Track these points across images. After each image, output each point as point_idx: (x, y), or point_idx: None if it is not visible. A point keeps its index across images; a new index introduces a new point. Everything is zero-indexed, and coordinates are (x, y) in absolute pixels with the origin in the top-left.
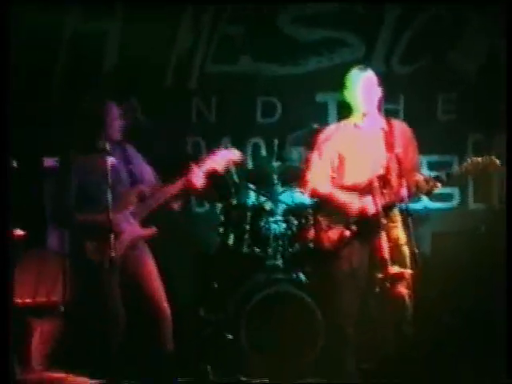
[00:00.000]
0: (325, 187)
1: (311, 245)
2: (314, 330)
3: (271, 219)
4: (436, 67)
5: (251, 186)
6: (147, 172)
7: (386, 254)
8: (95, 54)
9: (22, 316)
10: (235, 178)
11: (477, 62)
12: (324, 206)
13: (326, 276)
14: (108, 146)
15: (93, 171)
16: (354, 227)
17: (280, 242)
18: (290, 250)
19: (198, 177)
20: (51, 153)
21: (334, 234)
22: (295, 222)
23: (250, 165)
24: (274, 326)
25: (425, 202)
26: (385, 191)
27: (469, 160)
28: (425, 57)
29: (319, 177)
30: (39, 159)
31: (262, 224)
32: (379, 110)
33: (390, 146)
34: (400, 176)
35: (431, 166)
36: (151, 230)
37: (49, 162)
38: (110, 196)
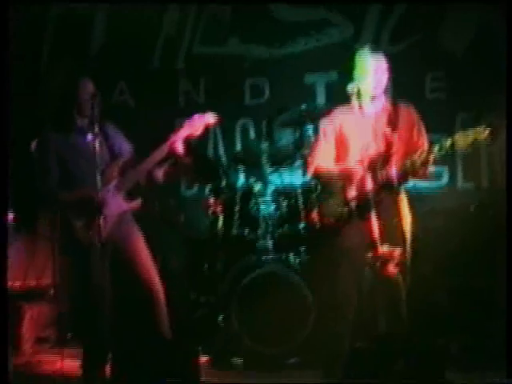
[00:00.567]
0: (328, 166)
1: (302, 225)
2: (304, 311)
3: (260, 200)
4: (424, 45)
5: (240, 167)
6: (126, 148)
7: (376, 233)
8: (82, 35)
9: (12, 300)
10: (223, 159)
11: (465, 39)
12: (324, 183)
13: (317, 257)
14: (84, 124)
15: (72, 149)
16: (352, 206)
17: (269, 223)
18: (280, 230)
19: (177, 142)
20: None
21: (332, 211)
22: (284, 203)
23: (238, 146)
24: (265, 307)
25: (414, 181)
26: (383, 171)
27: (459, 133)
28: (414, 34)
29: (324, 158)
30: (27, 142)
31: (252, 205)
32: (385, 91)
33: (392, 126)
34: (402, 156)
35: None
36: (136, 202)
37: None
38: (91, 173)
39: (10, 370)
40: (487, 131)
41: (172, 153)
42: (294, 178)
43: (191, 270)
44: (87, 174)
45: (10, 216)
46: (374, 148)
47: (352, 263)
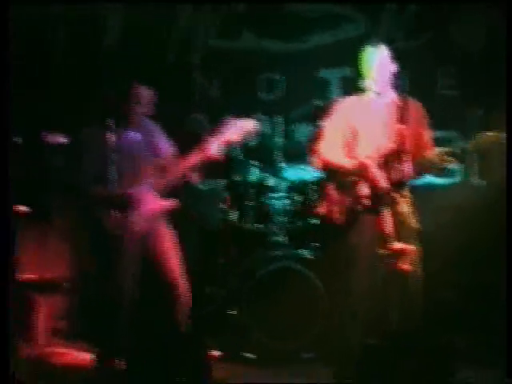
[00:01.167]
0: (336, 157)
1: (315, 220)
2: (316, 306)
3: (274, 195)
4: (438, 42)
5: (254, 162)
6: (165, 145)
7: (390, 229)
8: (95, 32)
9: (26, 292)
10: (238, 154)
11: (478, 35)
12: (333, 178)
13: (329, 252)
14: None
15: (113, 145)
16: (364, 201)
17: (283, 218)
18: (294, 225)
19: (215, 148)
20: (54, 129)
21: (342, 207)
22: (298, 198)
23: (252, 141)
24: (278, 301)
25: (428, 177)
26: (395, 166)
27: (481, 135)
28: (426, 32)
29: (331, 147)
30: (42, 135)
31: (265, 200)
32: (393, 86)
33: (402, 121)
34: (411, 152)
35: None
36: (172, 202)
37: (52, 137)
38: (129, 169)
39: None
40: (503, 135)
41: (209, 157)
42: (308, 173)
43: (205, 264)
44: (125, 171)
45: (24, 208)
46: (385, 143)
47: (364, 259)
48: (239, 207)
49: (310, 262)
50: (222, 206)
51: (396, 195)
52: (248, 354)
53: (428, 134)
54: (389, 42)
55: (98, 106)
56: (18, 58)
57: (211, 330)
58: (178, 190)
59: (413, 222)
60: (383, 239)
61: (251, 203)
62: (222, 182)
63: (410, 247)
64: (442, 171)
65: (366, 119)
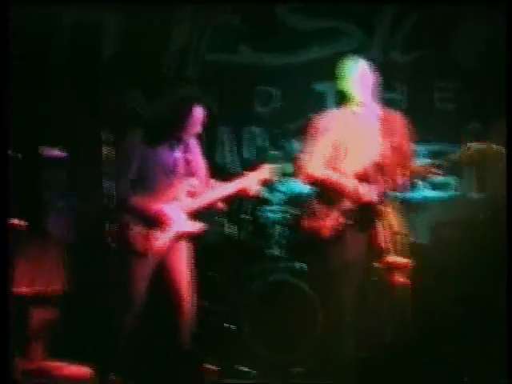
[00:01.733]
0: (322, 172)
1: (309, 234)
2: (313, 318)
3: (269, 208)
4: (434, 56)
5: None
6: (202, 166)
7: (383, 242)
8: (93, 43)
9: (21, 305)
10: (232, 167)
11: (475, 50)
12: (321, 192)
13: (323, 265)
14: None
15: (154, 159)
16: (351, 215)
17: (278, 231)
18: (289, 239)
19: (253, 185)
20: (51, 143)
21: (331, 221)
22: (293, 211)
23: (247, 153)
24: (274, 314)
25: (424, 190)
26: (382, 179)
27: (467, 146)
28: (423, 46)
29: (316, 162)
30: (39, 149)
31: (260, 213)
32: (376, 98)
33: (386, 134)
34: (397, 164)
35: (429, 155)
36: (200, 227)
37: (48, 151)
38: (165, 186)
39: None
40: (495, 147)
41: (244, 193)
42: (303, 186)
43: (201, 278)
44: (160, 186)
45: (19, 222)
46: (370, 156)
47: (358, 272)
48: (235, 220)
49: (306, 275)
50: (217, 219)
51: (384, 208)
52: (245, 369)
53: (410, 147)
54: (384, 55)
55: (143, 120)
56: (20, 80)
57: (208, 343)
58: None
59: (405, 234)
60: (376, 252)
61: (247, 216)
62: None
63: (404, 260)
64: (425, 179)
65: (351, 133)
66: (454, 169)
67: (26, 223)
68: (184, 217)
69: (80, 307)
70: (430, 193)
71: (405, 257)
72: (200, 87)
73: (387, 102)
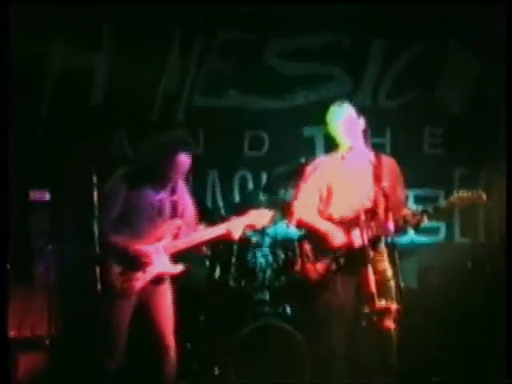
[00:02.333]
0: (312, 218)
1: (298, 278)
2: (301, 363)
3: (258, 252)
4: (422, 101)
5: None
6: (189, 208)
7: (373, 287)
8: (82, 86)
9: (7, 350)
10: (222, 211)
11: (463, 96)
12: (311, 237)
13: (311, 309)
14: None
15: (138, 200)
16: (340, 260)
17: (267, 275)
18: (277, 283)
19: (238, 230)
20: (38, 186)
21: (320, 266)
22: (282, 255)
23: (236, 197)
24: (262, 359)
25: (411, 235)
26: (372, 224)
27: (456, 194)
28: (411, 91)
29: (306, 207)
30: (26, 192)
31: (249, 257)
32: (365, 143)
33: (377, 179)
34: (387, 209)
35: (418, 200)
36: (179, 268)
37: (35, 194)
38: (148, 227)
39: None
40: (484, 196)
41: (228, 237)
42: (291, 230)
43: (187, 322)
44: (143, 226)
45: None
46: (360, 201)
47: (346, 316)
48: (223, 264)
49: (294, 320)
50: (205, 262)
51: (373, 253)
52: None
53: (402, 192)
54: (373, 100)
55: (128, 162)
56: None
57: None
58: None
59: (394, 279)
60: (366, 297)
61: (234, 260)
62: None
63: (393, 305)
64: (416, 229)
65: (341, 177)
66: (442, 214)
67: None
68: (166, 258)
69: (66, 351)
70: (417, 237)
71: (393, 301)
72: (188, 131)
73: (375, 147)
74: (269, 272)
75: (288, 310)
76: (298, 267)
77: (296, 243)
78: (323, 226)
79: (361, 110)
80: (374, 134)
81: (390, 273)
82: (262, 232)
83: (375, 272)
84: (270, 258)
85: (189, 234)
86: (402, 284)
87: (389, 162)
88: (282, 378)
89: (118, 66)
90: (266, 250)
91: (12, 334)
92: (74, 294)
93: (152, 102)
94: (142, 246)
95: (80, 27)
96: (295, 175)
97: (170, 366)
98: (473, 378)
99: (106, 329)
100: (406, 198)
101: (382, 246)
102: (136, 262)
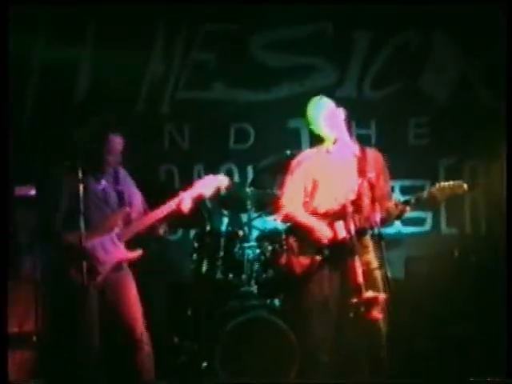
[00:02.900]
0: (297, 212)
1: (284, 270)
2: (288, 356)
3: (245, 245)
4: (407, 92)
5: (224, 212)
6: (135, 196)
7: (360, 278)
8: (66, 80)
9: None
10: (208, 204)
11: (447, 86)
12: (296, 230)
13: (298, 301)
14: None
15: (83, 192)
16: (325, 252)
17: (254, 268)
18: (264, 275)
19: (186, 202)
20: (23, 181)
21: (305, 258)
22: (269, 248)
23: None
24: (249, 352)
25: (398, 226)
26: (357, 216)
27: (437, 185)
28: (396, 81)
29: (293, 201)
30: (10, 188)
31: (236, 250)
32: (350, 135)
33: (361, 171)
34: (372, 201)
35: (403, 191)
36: (136, 253)
37: (20, 190)
38: (96, 218)
39: None
40: (465, 185)
41: (178, 211)
42: (278, 223)
43: (175, 315)
44: (93, 218)
45: None
46: (344, 193)
47: (334, 308)
48: (210, 257)
49: (281, 312)
50: (192, 256)
51: (358, 244)
52: None
53: (387, 185)
54: (358, 91)
55: (69, 154)
56: None
57: (182, 382)
58: (146, 240)
59: (381, 270)
60: (352, 288)
61: (222, 253)
62: (193, 232)
63: (380, 295)
64: (399, 219)
65: (326, 171)
66: (424, 205)
67: None
68: (119, 245)
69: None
70: (403, 228)
71: (380, 292)
72: (173, 124)
73: (361, 138)
74: (256, 265)
75: (276, 302)
76: (284, 261)
77: (283, 236)
78: (308, 221)
79: (346, 101)
80: (360, 125)
81: (376, 263)
82: (249, 225)
83: (362, 263)
84: (258, 250)
85: (141, 220)
86: (389, 274)
87: (374, 155)
88: (271, 370)
89: (101, 60)
90: (253, 242)
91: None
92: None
93: (136, 96)
94: (96, 238)
95: (63, 21)
96: (281, 168)
97: (146, 357)
98: (461, 368)
99: (80, 325)
100: (392, 189)
101: (368, 238)
102: (93, 255)
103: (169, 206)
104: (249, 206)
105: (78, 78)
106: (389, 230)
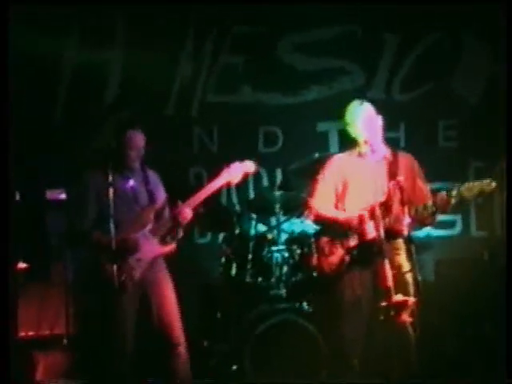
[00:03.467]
0: (329, 212)
1: (314, 273)
2: (317, 359)
3: (274, 248)
4: (436, 94)
5: (253, 215)
6: (162, 196)
7: (390, 281)
8: (97, 83)
9: (25, 349)
10: (237, 207)
11: (477, 87)
12: (326, 231)
13: (329, 303)
14: (128, 169)
15: (112, 192)
16: (354, 253)
17: (283, 271)
18: (293, 279)
19: (215, 189)
20: (54, 185)
21: (335, 259)
22: (298, 251)
23: (251, 194)
24: (279, 355)
25: (428, 229)
26: (387, 218)
27: (465, 184)
28: (425, 84)
29: (324, 202)
30: (42, 192)
31: (265, 253)
32: (383, 139)
33: (392, 174)
34: (402, 204)
35: (433, 194)
36: (170, 247)
37: (52, 194)
38: (128, 216)
39: None
40: (493, 183)
41: (229, 185)
42: (306, 226)
43: (204, 318)
44: (124, 216)
45: (22, 265)
46: (375, 196)
47: (362, 311)
48: (239, 260)
49: (311, 315)
50: (221, 259)
51: (389, 247)
52: None
53: (424, 186)
54: (386, 93)
55: (98, 155)
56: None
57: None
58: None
59: (411, 273)
60: (382, 291)
61: (251, 256)
62: (221, 236)
63: (410, 299)
64: (432, 223)
65: (357, 173)
66: (456, 207)
67: (29, 266)
68: (153, 241)
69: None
70: (433, 231)
71: (410, 295)
72: (202, 127)
73: (389, 141)
74: (285, 268)
75: (305, 305)
76: (313, 262)
77: (312, 238)
78: (340, 215)
79: (375, 104)
80: (388, 127)
81: (406, 267)
82: (278, 228)
83: (393, 266)
84: (286, 254)
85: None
86: (419, 277)
87: (405, 158)
88: (300, 373)
89: (131, 64)
90: (282, 246)
91: (30, 333)
92: (89, 292)
93: (166, 99)
94: (127, 236)
95: (94, 25)
96: (309, 171)
97: (181, 357)
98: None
99: (115, 327)
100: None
101: (399, 240)
102: (127, 252)
103: (198, 196)
104: (277, 210)
105: (108, 80)
106: (418, 233)
